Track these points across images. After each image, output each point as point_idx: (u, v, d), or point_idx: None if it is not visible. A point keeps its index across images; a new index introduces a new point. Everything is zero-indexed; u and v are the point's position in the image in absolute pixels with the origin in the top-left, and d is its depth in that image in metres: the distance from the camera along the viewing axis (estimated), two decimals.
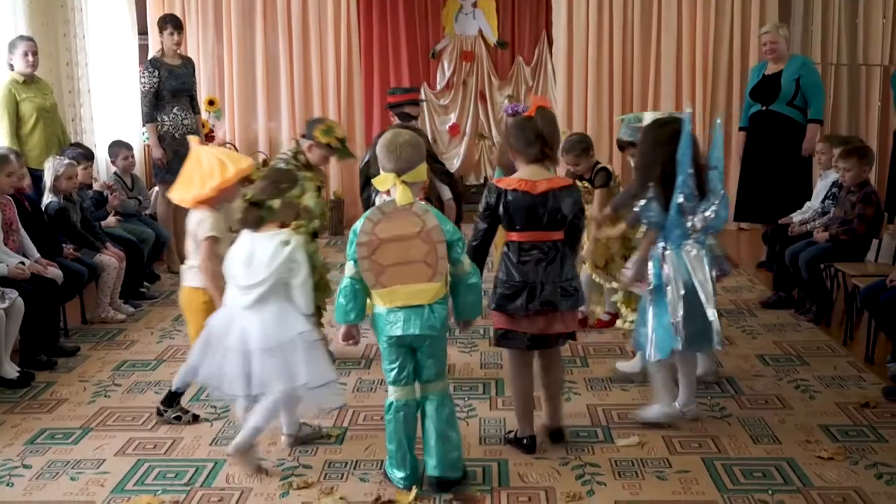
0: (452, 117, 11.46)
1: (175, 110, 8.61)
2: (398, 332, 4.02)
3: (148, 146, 9.10)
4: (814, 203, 7.36)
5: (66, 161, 6.96)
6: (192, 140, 4.88)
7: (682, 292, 4.61)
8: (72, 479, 4.37)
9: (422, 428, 4.19)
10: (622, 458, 4.50)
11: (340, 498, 4.12)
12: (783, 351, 6.15)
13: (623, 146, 6.47)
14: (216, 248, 4.67)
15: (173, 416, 5.04)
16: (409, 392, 4.15)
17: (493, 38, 11.31)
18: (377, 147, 4.16)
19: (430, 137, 11.32)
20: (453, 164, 11.47)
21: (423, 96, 10.80)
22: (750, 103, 8.38)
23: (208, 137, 10.13)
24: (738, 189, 8.71)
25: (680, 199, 4.55)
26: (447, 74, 11.34)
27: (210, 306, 4.66)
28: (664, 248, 4.69)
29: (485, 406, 5.22)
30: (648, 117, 5.51)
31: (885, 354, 5.68)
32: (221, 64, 10.97)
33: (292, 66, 10.88)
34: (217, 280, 4.58)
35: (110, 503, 4.13)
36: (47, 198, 6.85)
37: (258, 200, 4.40)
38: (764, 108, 8.22)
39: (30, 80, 7.54)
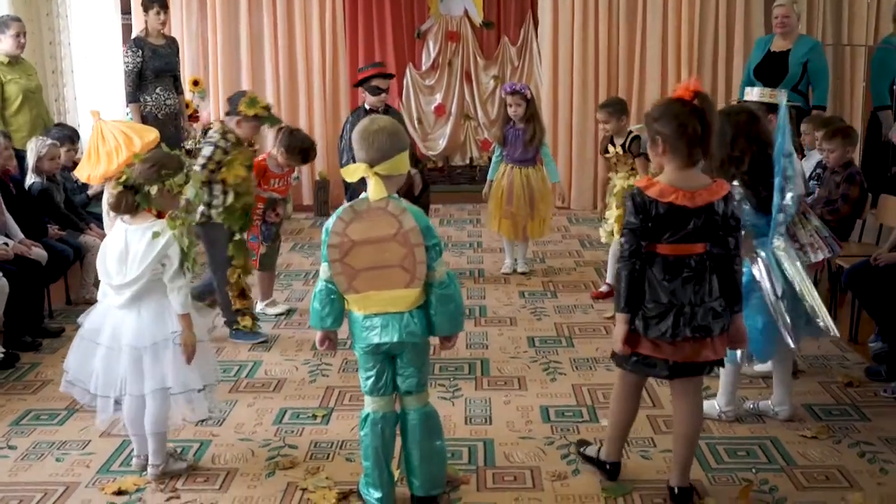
0: (438, 97, 11.44)
1: (158, 90, 8.57)
2: (375, 340, 3.66)
3: None
4: None
5: (49, 141, 6.92)
6: (93, 115, 4.69)
7: (780, 293, 4.40)
8: (57, 460, 4.37)
9: (402, 445, 3.88)
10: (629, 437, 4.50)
11: (326, 478, 4.13)
12: None
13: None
14: None
15: None
16: (387, 404, 3.80)
17: (478, 19, 11.28)
18: (352, 134, 3.73)
19: (415, 118, 11.34)
20: (439, 144, 11.48)
21: (408, 76, 10.77)
22: (752, 81, 8.27)
23: (193, 118, 10.09)
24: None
25: (787, 199, 4.33)
26: (432, 55, 11.32)
27: None
28: (755, 251, 4.46)
29: (470, 386, 5.23)
30: (755, 92, 5.28)
31: (869, 334, 5.71)
32: (206, 44, 10.90)
33: (277, 46, 10.83)
34: None
35: (96, 483, 4.13)
36: (30, 178, 6.81)
37: (135, 184, 4.04)
38: None
39: (14, 62, 7.49)
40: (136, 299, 4.02)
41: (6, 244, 5.95)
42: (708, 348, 3.72)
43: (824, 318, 4.46)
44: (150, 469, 4.17)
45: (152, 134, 4.62)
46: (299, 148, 6.60)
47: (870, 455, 4.31)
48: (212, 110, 10.81)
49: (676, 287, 3.65)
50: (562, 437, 4.53)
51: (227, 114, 5.94)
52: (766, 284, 4.42)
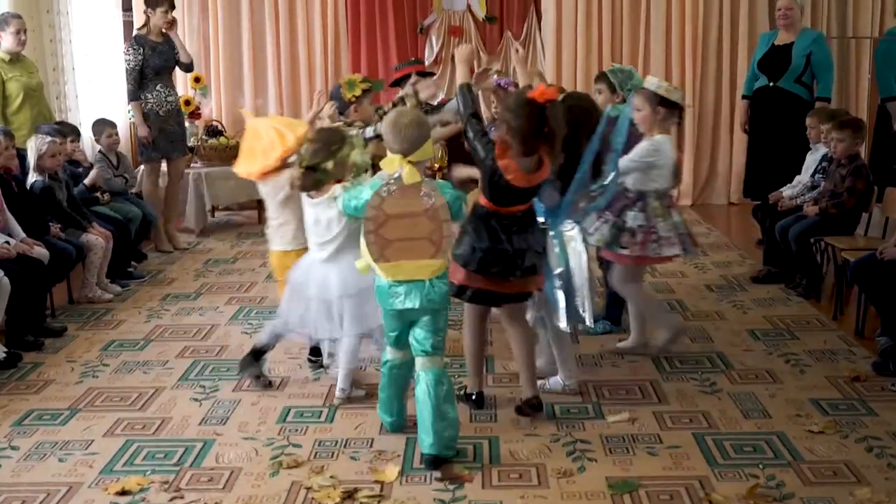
0: (441, 93, 11.42)
1: (158, 87, 8.58)
2: (399, 306, 4.15)
3: (134, 124, 9.05)
4: (803, 177, 7.33)
5: (49, 138, 6.89)
6: (246, 114, 5.37)
7: (557, 272, 4.74)
8: (60, 460, 4.36)
9: (416, 405, 4.22)
10: (613, 435, 4.50)
11: (331, 477, 4.11)
12: (773, 325, 6.16)
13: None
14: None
15: (255, 374, 5.20)
16: (406, 355, 4.33)
17: (481, 13, 11.24)
18: (383, 126, 4.28)
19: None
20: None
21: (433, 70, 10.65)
22: (756, 74, 8.27)
23: (194, 115, 10.08)
24: (746, 167, 8.67)
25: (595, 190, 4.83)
26: (435, 50, 11.28)
27: None
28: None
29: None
30: (654, 82, 5.38)
31: (875, 328, 5.68)
32: (207, 41, 10.90)
33: (279, 42, 10.83)
34: None
35: (99, 484, 4.12)
36: (32, 177, 6.79)
37: (313, 164, 4.64)
38: (771, 83, 8.10)
39: (15, 59, 7.48)
40: (337, 254, 4.73)
41: (7, 243, 5.94)
42: (531, 282, 4.55)
43: (587, 310, 4.80)
44: (337, 392, 4.94)
45: (302, 128, 5.12)
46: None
47: (877, 450, 4.29)
48: (213, 107, 10.81)
49: (510, 236, 4.38)
50: (567, 433, 4.52)
51: (341, 112, 5.94)
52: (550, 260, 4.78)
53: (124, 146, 9.32)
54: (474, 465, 4.22)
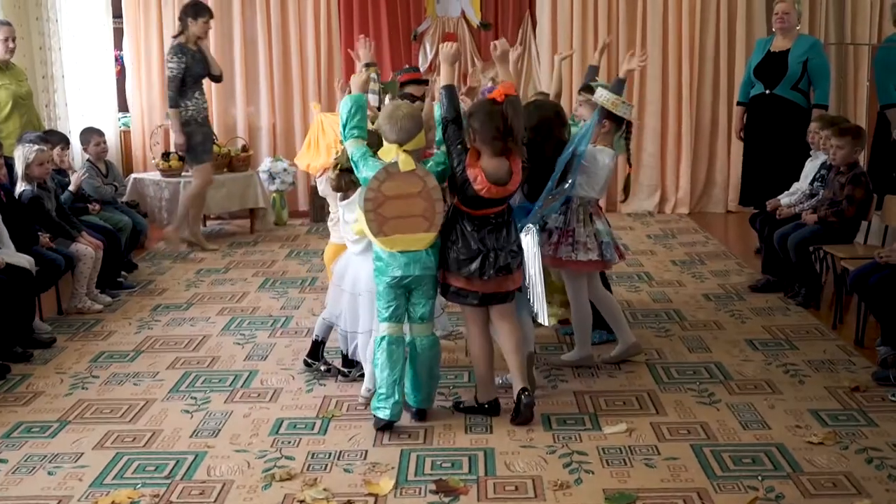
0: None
1: (196, 95, 8.75)
2: (399, 273, 4.60)
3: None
4: (801, 185, 7.35)
5: (36, 147, 6.87)
6: (315, 107, 5.63)
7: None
8: (49, 473, 4.35)
9: (410, 366, 4.72)
10: (610, 446, 4.51)
11: (324, 489, 4.11)
12: (772, 335, 6.17)
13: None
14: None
15: (323, 367, 5.49)
16: (398, 329, 4.70)
17: (475, 20, 11.26)
18: (380, 117, 4.74)
19: None
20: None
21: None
22: (752, 81, 8.29)
23: None
24: (742, 174, 8.69)
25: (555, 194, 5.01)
26: (429, 56, 11.28)
27: None
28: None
29: (470, 395, 5.19)
30: (603, 94, 5.42)
31: (875, 337, 5.69)
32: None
33: (271, 48, 10.83)
34: None
35: (89, 497, 4.11)
36: (20, 186, 6.78)
37: (349, 167, 4.83)
38: (767, 91, 8.12)
39: (4, 67, 7.49)
40: (369, 248, 4.87)
41: None
42: (509, 281, 4.75)
43: (540, 308, 4.88)
44: (363, 391, 5.07)
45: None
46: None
47: (878, 461, 4.30)
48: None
49: (483, 236, 4.64)
50: (564, 445, 4.52)
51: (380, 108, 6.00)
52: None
53: (113, 154, 9.33)
54: (470, 477, 4.22)
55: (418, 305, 4.72)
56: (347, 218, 5.04)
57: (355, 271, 5.09)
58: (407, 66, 8.69)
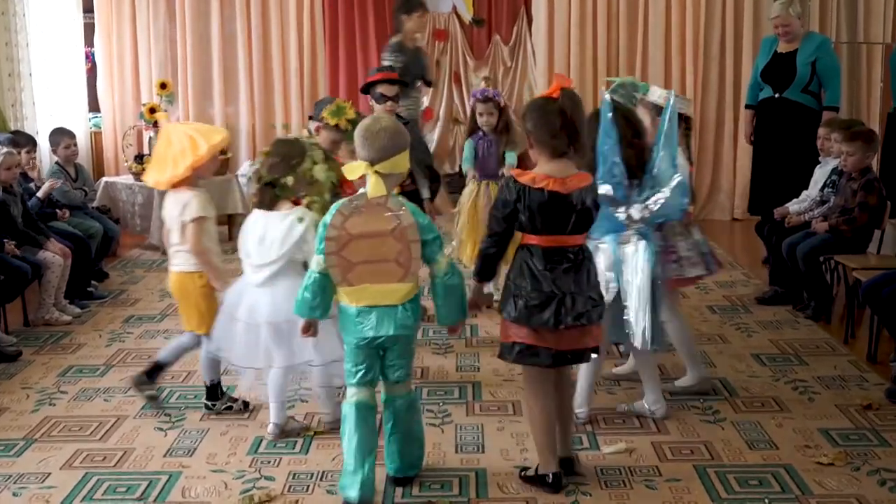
0: (425, 101, 11.43)
1: (413, 94, 8.62)
2: (371, 334, 4.04)
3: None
4: (811, 192, 7.36)
5: (5, 150, 6.89)
6: (161, 118, 5.03)
7: (613, 286, 4.71)
8: (14, 494, 4.34)
9: (387, 430, 4.29)
10: (609, 467, 4.51)
11: None
12: (780, 350, 6.19)
13: None
14: (205, 227, 4.91)
15: (224, 407, 5.27)
16: (370, 394, 4.18)
17: (468, 16, 11.29)
18: (356, 132, 4.12)
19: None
20: None
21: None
22: (760, 84, 8.28)
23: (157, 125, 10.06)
24: (751, 180, 8.69)
25: (604, 190, 4.52)
26: None
27: (208, 289, 4.94)
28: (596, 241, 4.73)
29: (461, 411, 5.22)
30: (657, 93, 5.35)
31: (889, 352, 5.72)
32: (174, 45, 10.90)
33: (251, 46, 10.85)
34: (213, 257, 4.93)
35: None
36: None
37: (272, 180, 4.70)
38: (776, 95, 8.11)
39: None
40: (273, 279, 4.67)
41: None
42: (588, 336, 4.18)
43: (638, 333, 4.69)
44: (270, 427, 4.89)
45: (219, 135, 5.05)
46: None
47: (891, 483, 4.31)
48: (181, 116, 10.81)
49: (557, 276, 4.06)
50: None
51: (311, 118, 5.96)
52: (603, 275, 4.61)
53: (84, 157, 9.31)
54: (460, 499, 4.23)
55: (394, 368, 4.18)
56: (269, 233, 4.70)
57: (253, 300, 4.74)
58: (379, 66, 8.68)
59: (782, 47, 8.09)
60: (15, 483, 4.45)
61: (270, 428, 4.90)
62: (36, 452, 4.80)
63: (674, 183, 4.67)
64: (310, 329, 4.28)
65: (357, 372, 4.14)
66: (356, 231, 3.98)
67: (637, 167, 4.68)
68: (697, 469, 4.47)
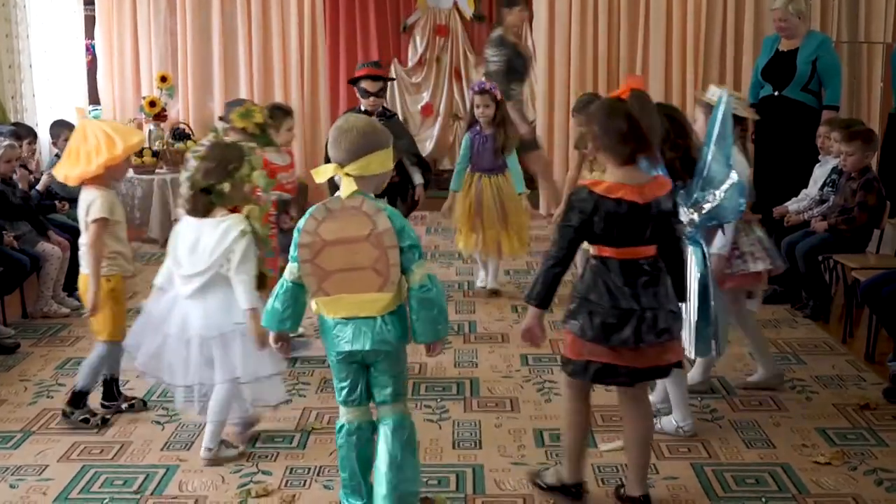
0: (425, 96, 11.45)
1: (513, 91, 8.63)
2: (346, 348, 3.74)
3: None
4: (811, 191, 7.36)
5: (6, 142, 6.89)
6: (78, 112, 4.92)
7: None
8: (11, 486, 4.35)
9: (376, 458, 3.92)
10: (605, 464, 4.51)
11: None
12: (778, 349, 6.18)
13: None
14: (107, 230, 4.81)
15: (80, 418, 4.99)
16: (362, 414, 3.90)
17: (469, 11, 11.30)
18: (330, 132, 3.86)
19: (400, 118, 11.34)
20: (426, 146, 11.47)
21: (393, 73, 10.76)
22: (760, 82, 8.27)
23: (160, 117, 10.06)
24: (752, 181, 8.66)
25: (707, 202, 4.51)
26: (420, 50, 11.34)
27: (118, 293, 4.86)
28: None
29: (458, 407, 5.22)
30: (712, 91, 5.28)
31: (887, 352, 5.72)
32: (175, 38, 10.88)
33: (251, 39, 10.82)
34: (100, 264, 4.78)
35: None
36: None
37: (207, 186, 4.42)
38: (776, 93, 8.11)
39: None
40: (204, 290, 4.42)
41: None
42: (670, 351, 3.94)
43: (688, 342, 4.60)
44: (203, 452, 4.55)
45: (136, 136, 4.89)
46: (273, 106, 6.39)
47: (888, 483, 4.32)
48: (180, 109, 10.80)
49: (637, 292, 3.80)
50: (557, 462, 4.52)
51: (221, 118, 5.90)
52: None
53: None
54: (457, 495, 4.23)
55: (379, 385, 3.84)
56: (202, 240, 4.44)
57: (183, 312, 4.48)
58: (366, 62, 8.68)
59: (784, 45, 8.08)
60: (12, 475, 4.46)
61: (202, 452, 4.56)
62: (33, 444, 4.80)
63: (727, 184, 4.54)
64: (280, 342, 3.94)
65: (342, 389, 3.86)
66: (330, 237, 3.67)
67: (683, 169, 4.56)
68: (694, 467, 4.48)
